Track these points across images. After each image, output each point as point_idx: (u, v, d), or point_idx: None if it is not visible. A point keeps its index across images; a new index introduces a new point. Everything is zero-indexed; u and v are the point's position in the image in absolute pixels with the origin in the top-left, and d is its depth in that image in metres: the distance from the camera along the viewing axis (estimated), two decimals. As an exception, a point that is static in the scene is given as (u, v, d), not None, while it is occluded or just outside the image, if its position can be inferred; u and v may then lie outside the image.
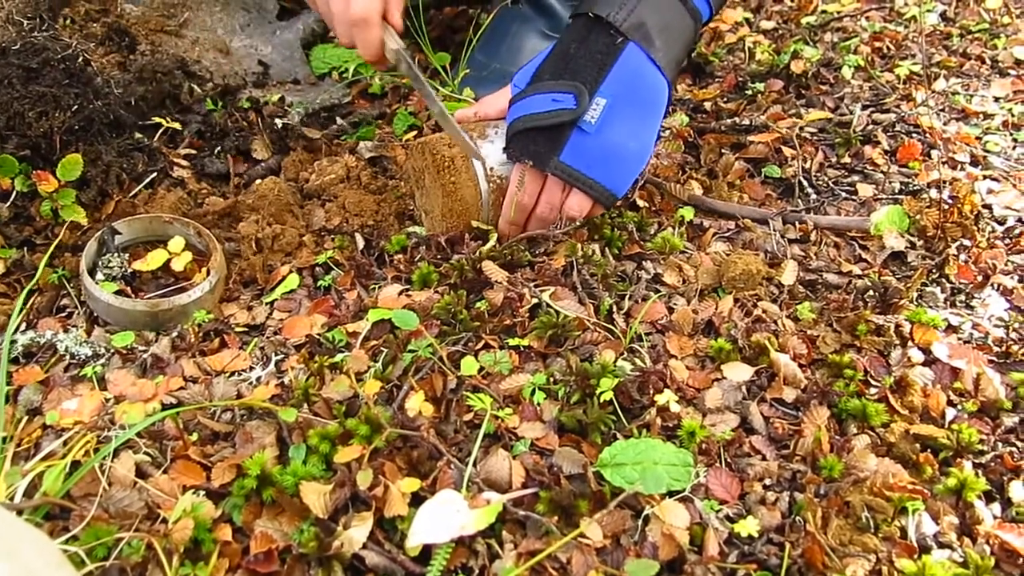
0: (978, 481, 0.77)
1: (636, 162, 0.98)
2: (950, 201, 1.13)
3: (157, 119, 1.17)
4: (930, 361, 0.92)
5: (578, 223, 1.00)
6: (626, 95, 0.95)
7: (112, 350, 0.90)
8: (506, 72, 1.40)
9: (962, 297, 1.02)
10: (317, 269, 1.03)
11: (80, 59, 1.01)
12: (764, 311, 0.97)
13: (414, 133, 1.26)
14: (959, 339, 0.95)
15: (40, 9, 1.03)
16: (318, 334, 0.93)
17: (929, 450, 0.81)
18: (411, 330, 0.88)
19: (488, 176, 0.99)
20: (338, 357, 0.89)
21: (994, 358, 0.93)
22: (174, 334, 0.92)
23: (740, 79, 1.46)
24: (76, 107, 1.00)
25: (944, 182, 1.18)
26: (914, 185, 1.20)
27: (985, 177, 1.21)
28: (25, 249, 0.99)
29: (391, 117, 1.31)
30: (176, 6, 1.46)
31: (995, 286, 1.03)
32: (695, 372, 0.89)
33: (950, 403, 0.87)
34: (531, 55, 1.39)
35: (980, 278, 1.03)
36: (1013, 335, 0.96)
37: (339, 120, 1.29)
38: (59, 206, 0.99)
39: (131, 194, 1.06)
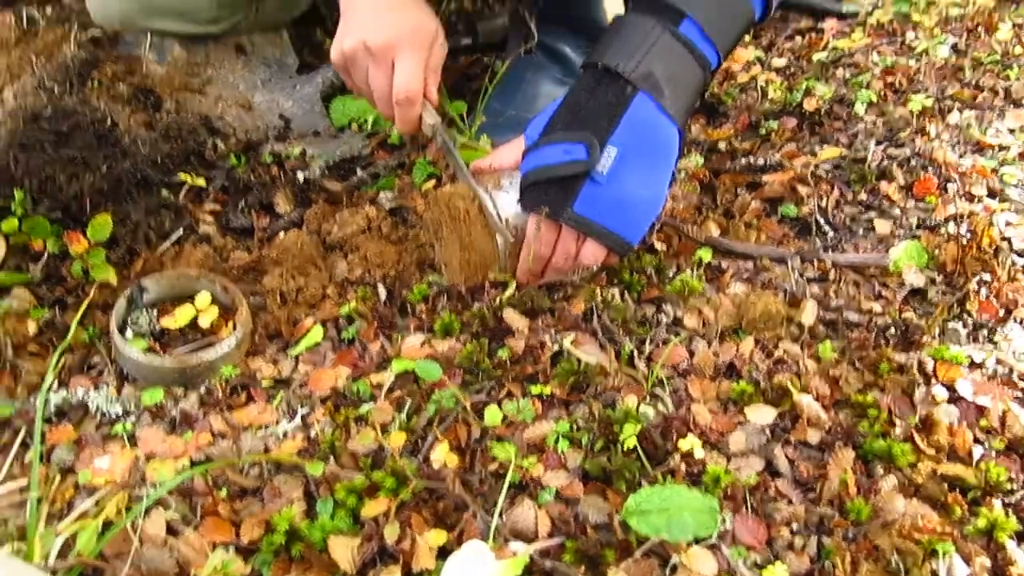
0: (1009, 521, 0.76)
1: (649, 210, 0.99)
2: (968, 235, 1.13)
3: (183, 176, 1.19)
4: (955, 398, 0.91)
5: (594, 271, 1.02)
6: (637, 144, 0.96)
7: (142, 407, 0.91)
8: (522, 118, 1.42)
9: (984, 332, 1.01)
10: (340, 320, 1.04)
11: (108, 121, 1.04)
12: (785, 351, 0.97)
13: (433, 182, 1.28)
14: (983, 375, 0.95)
15: (70, 75, 1.07)
16: (343, 386, 0.94)
17: (958, 490, 0.81)
18: (434, 380, 0.89)
19: (504, 226, 1.00)
20: (363, 409, 0.90)
21: (1020, 394, 0.93)
22: (202, 389, 0.94)
23: (753, 118, 1.48)
24: (105, 168, 1.03)
25: (962, 216, 1.19)
26: (932, 220, 1.20)
27: (1003, 210, 1.21)
28: (57, 308, 1.01)
29: (410, 167, 1.33)
30: (200, 64, 1.50)
31: (1018, 320, 1.02)
32: (718, 416, 0.89)
33: (977, 441, 0.87)
34: (546, 101, 1.41)
35: (1002, 312, 1.03)
36: (1038, 369, 0.96)
37: (359, 171, 1.32)
38: (89, 266, 1.02)
39: (159, 251, 1.09)
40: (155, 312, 1.01)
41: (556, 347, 0.95)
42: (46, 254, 1.02)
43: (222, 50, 1.52)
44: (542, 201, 0.97)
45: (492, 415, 0.86)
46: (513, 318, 0.98)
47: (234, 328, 0.99)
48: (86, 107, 1.03)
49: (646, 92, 0.97)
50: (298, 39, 1.60)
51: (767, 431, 0.87)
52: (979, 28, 1.83)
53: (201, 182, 1.21)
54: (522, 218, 1.01)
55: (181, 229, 1.12)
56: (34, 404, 0.88)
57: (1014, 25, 1.85)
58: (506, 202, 1.01)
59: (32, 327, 0.99)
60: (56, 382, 0.95)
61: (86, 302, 0.99)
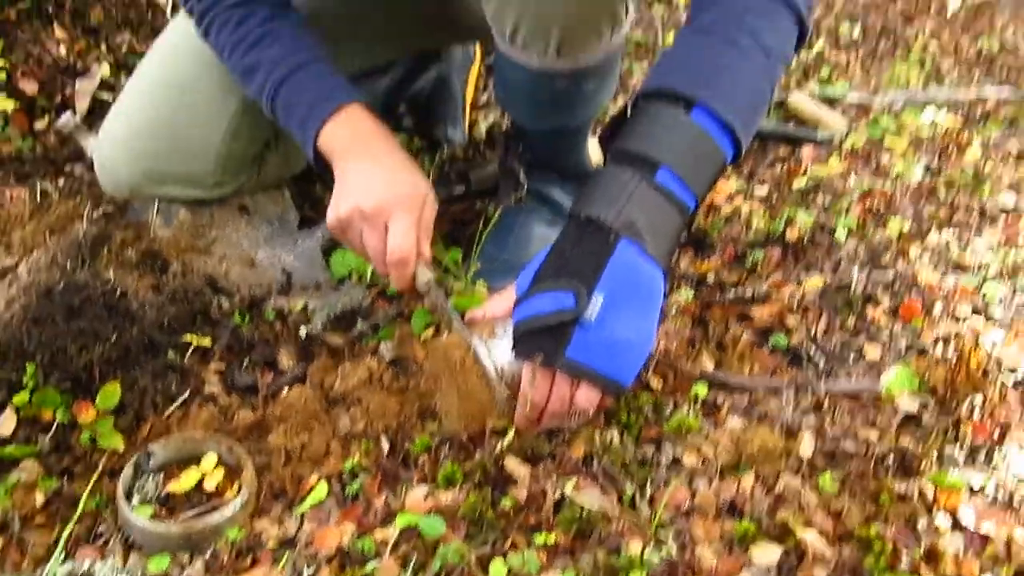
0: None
1: (639, 352, 1.02)
2: (957, 357, 1.16)
3: (188, 337, 1.23)
4: (958, 526, 0.92)
5: (590, 415, 1.04)
6: (623, 289, 0.99)
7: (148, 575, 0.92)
8: (516, 262, 1.47)
9: (982, 456, 1.02)
10: (344, 475, 1.05)
11: (118, 292, 1.09)
12: (786, 486, 0.98)
13: (431, 330, 1.32)
14: (984, 501, 0.96)
15: (82, 250, 1.12)
16: (348, 544, 0.94)
17: (968, 624, 0.80)
18: (439, 536, 0.90)
19: (500, 375, 1.03)
20: (368, 567, 0.90)
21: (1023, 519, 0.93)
22: (207, 555, 0.94)
23: (739, 249, 1.53)
24: (115, 337, 1.07)
25: (949, 337, 1.21)
26: (920, 343, 1.23)
27: (989, 329, 1.24)
28: (65, 478, 1.03)
29: (410, 315, 1.37)
30: (205, 225, 1.56)
31: (1014, 441, 1.03)
32: (723, 557, 0.89)
33: (983, 570, 0.86)
34: (539, 243, 1.46)
35: (997, 434, 1.04)
36: (1039, 492, 0.96)
37: (360, 323, 1.35)
38: (97, 434, 1.04)
39: (165, 414, 1.11)
40: (161, 477, 1.03)
41: (558, 494, 0.96)
42: (55, 424, 1.05)
43: (226, 211, 1.59)
44: (535, 349, 1.00)
45: (497, 570, 0.86)
46: (514, 466, 0.99)
47: (239, 490, 1.00)
48: (97, 280, 1.08)
49: (629, 239, 1.00)
50: (298, 195, 1.67)
51: (772, 571, 0.87)
52: (950, 147, 1.91)
53: (207, 342, 1.24)
54: (517, 366, 1.04)
55: (187, 391, 1.14)
56: (41, 579, 0.88)
57: (983, 143, 1.93)
58: (500, 350, 1.04)
59: (40, 498, 1.00)
60: (63, 553, 0.95)
61: (96, 474, 1.00)
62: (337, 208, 1.17)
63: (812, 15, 1.11)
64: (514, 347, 1.04)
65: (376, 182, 1.17)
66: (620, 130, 1.08)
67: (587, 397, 1.02)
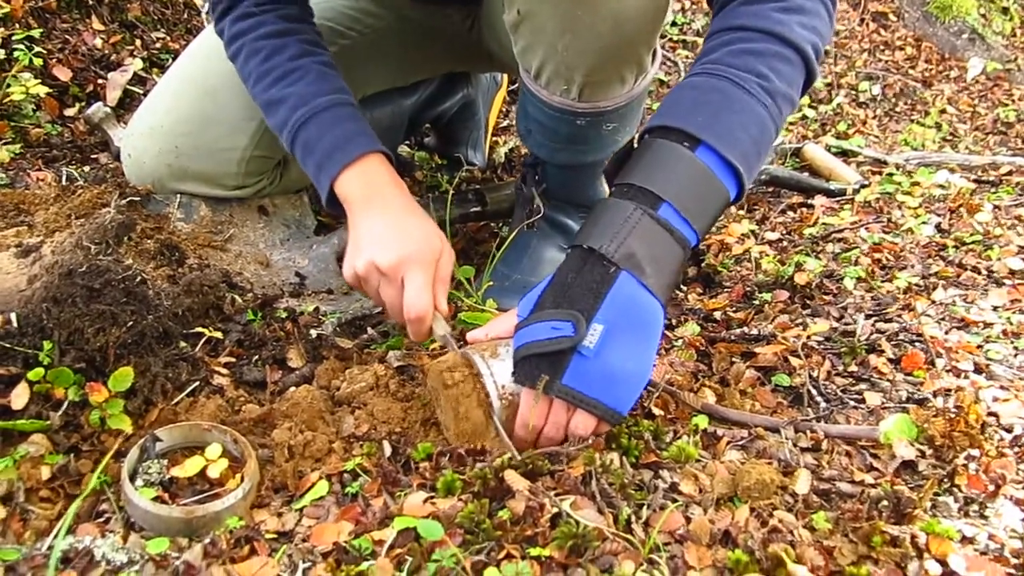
0: None
1: (636, 382, 1.03)
2: (956, 410, 1.17)
3: (200, 328, 1.25)
4: (947, 574, 0.93)
5: (586, 441, 1.05)
6: (622, 320, 1.01)
7: (147, 556, 0.93)
8: (526, 283, 1.49)
9: (975, 507, 1.04)
10: (345, 475, 1.07)
11: (138, 279, 1.11)
12: (780, 520, 0.99)
13: (438, 344, 1.33)
14: (975, 550, 0.97)
15: (107, 236, 1.14)
16: (345, 542, 0.95)
17: (953, 669, 0.81)
18: (436, 540, 0.91)
19: (500, 395, 1.05)
20: (364, 566, 0.91)
21: (1012, 571, 0.94)
22: (206, 540, 0.95)
23: (748, 289, 1.55)
24: (131, 323, 1.09)
25: (949, 391, 1.23)
26: (920, 394, 1.24)
27: (989, 386, 1.26)
28: (72, 455, 1.04)
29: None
30: (224, 223, 1.59)
31: (1007, 496, 1.05)
32: (714, 585, 0.90)
33: (971, 619, 0.87)
34: (550, 266, 1.49)
35: (991, 487, 1.05)
36: (1029, 547, 0.97)
37: (370, 330, 1.38)
38: (107, 415, 1.05)
39: (174, 402, 1.13)
40: (166, 462, 1.04)
41: (555, 509, 0.97)
42: (66, 402, 1.06)
43: (245, 210, 1.62)
44: (534, 375, 1.02)
45: (491, 577, 0.87)
46: (514, 479, 1.00)
47: (242, 480, 1.01)
48: (119, 265, 1.10)
49: (629, 271, 1.02)
50: (317, 201, 1.70)
51: (763, 602, 0.88)
52: (961, 208, 1.94)
53: (218, 335, 1.26)
54: (518, 386, 1.06)
55: (197, 381, 1.16)
56: (41, 550, 0.90)
57: (994, 207, 1.96)
58: (501, 370, 1.07)
59: (46, 472, 1.01)
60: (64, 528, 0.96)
61: (108, 456, 1.02)
62: (354, 263, 1.23)
63: (821, 59, 1.13)
64: (513, 373, 1.06)
65: (391, 237, 1.22)
66: (625, 164, 1.10)
67: (583, 424, 1.04)
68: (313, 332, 1.33)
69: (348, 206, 1.28)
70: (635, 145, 1.09)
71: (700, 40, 2.84)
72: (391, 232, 1.23)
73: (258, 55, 1.33)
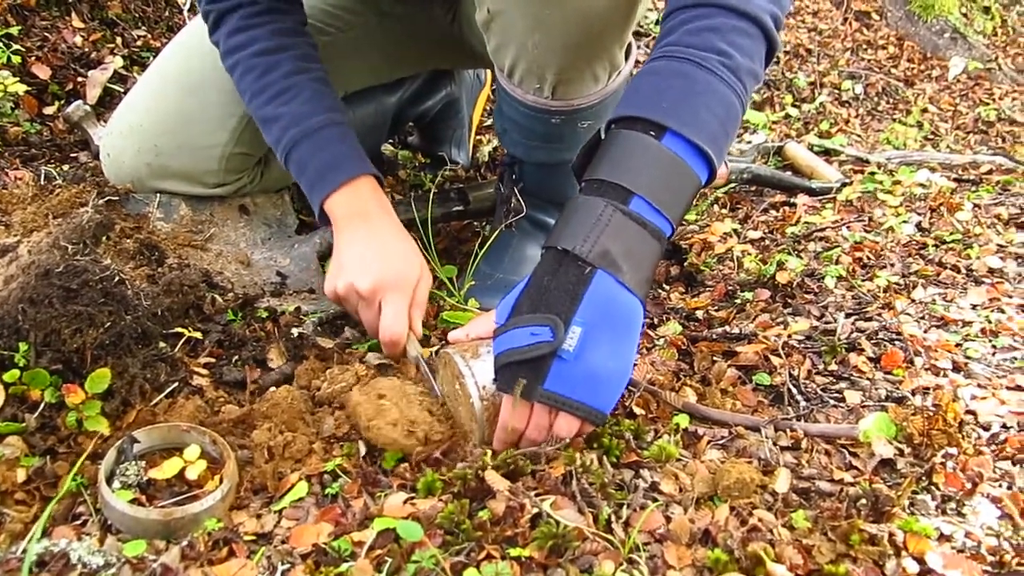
0: None
1: (617, 381, 1.03)
2: (934, 408, 1.18)
3: (180, 329, 1.24)
4: (925, 571, 0.93)
5: (568, 442, 1.05)
6: (600, 320, 1.00)
7: (124, 559, 0.92)
8: (508, 281, 1.49)
9: (952, 505, 1.04)
10: (325, 476, 1.06)
11: (116, 279, 1.10)
12: (760, 519, 0.99)
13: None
14: (952, 548, 0.97)
15: (84, 236, 1.13)
16: (324, 543, 0.95)
17: (929, 667, 0.81)
18: (415, 541, 0.91)
19: (482, 396, 1.05)
20: (343, 567, 0.91)
21: (988, 568, 0.94)
22: (184, 543, 0.95)
23: (730, 288, 1.55)
24: (109, 324, 1.08)
25: (928, 389, 1.24)
26: (899, 392, 1.25)
27: (968, 384, 1.27)
28: (48, 458, 1.03)
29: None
30: (204, 222, 1.58)
31: (984, 494, 1.05)
32: (693, 584, 0.90)
33: (948, 616, 0.88)
34: (531, 264, 1.48)
35: (969, 485, 1.06)
36: (1005, 544, 0.98)
37: (349, 330, 1.37)
38: (84, 417, 1.04)
39: (152, 403, 1.12)
40: (143, 463, 1.03)
41: (535, 510, 0.97)
42: (43, 404, 1.05)
43: (226, 209, 1.61)
44: (515, 382, 1.02)
45: (471, 578, 0.87)
46: (495, 479, 1.00)
47: (220, 481, 1.01)
48: (97, 266, 1.09)
49: (604, 270, 1.01)
50: (298, 199, 1.69)
51: (741, 601, 0.88)
52: (941, 207, 1.95)
53: (198, 335, 1.25)
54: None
55: (176, 382, 1.15)
56: (15, 553, 0.89)
57: (974, 206, 1.97)
58: (482, 370, 1.06)
59: (21, 475, 1.00)
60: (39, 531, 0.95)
61: (83, 457, 1.01)
62: (335, 283, 1.28)
63: (781, 30, 1.12)
64: (494, 379, 1.05)
65: (372, 260, 1.26)
66: (592, 157, 1.08)
67: (566, 426, 1.04)
68: (294, 331, 1.32)
69: (335, 226, 1.33)
70: (601, 137, 1.08)
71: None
72: (372, 255, 1.27)
73: (253, 72, 1.36)
